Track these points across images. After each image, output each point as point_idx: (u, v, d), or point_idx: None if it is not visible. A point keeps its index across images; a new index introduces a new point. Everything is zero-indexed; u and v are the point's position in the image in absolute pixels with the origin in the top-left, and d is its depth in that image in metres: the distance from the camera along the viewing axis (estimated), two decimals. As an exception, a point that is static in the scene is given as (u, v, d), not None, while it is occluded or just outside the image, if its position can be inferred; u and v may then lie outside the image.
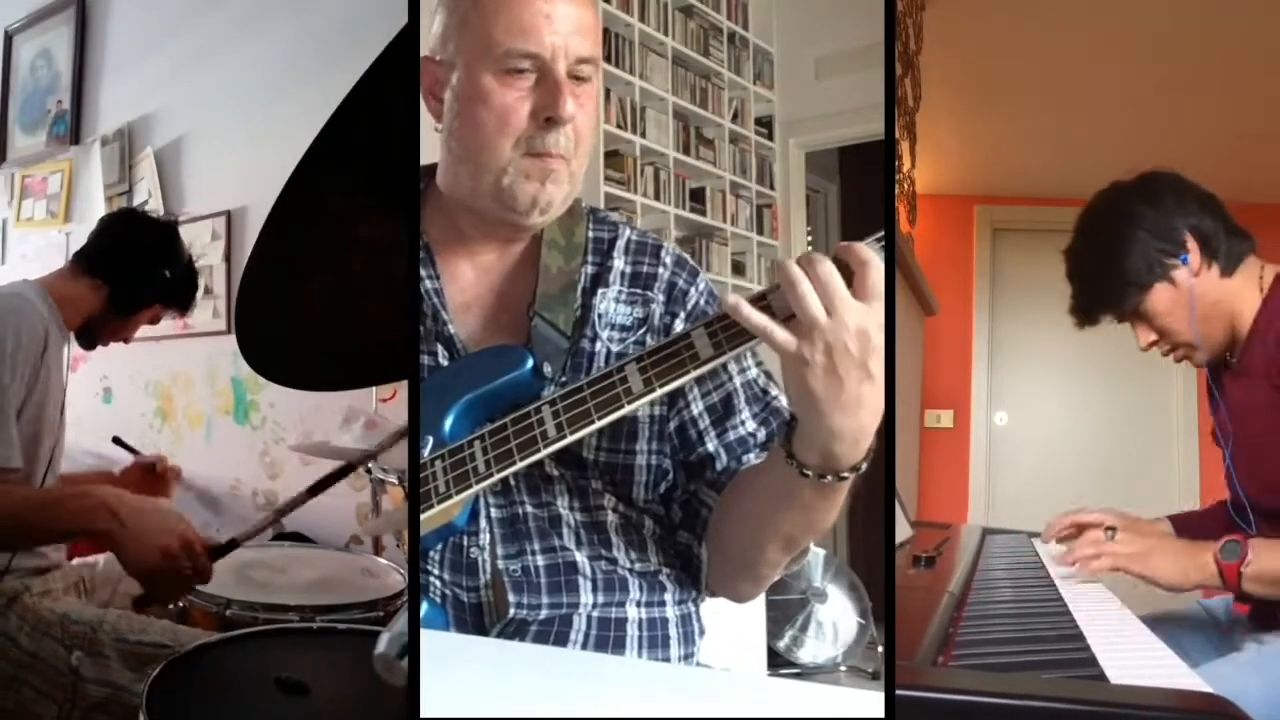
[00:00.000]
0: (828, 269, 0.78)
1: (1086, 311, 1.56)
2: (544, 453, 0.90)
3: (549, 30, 0.93)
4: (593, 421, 0.89)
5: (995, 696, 0.66)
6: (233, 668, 1.21)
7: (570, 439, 0.89)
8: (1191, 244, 1.46)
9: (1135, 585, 1.41)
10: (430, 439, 0.94)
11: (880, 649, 3.10)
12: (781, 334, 0.80)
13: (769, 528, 0.93)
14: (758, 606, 2.86)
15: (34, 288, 1.77)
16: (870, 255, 0.79)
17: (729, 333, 0.86)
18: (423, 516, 0.91)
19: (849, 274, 0.79)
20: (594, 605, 0.98)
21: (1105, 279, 1.51)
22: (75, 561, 1.89)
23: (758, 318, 0.81)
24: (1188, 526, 1.62)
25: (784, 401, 1.04)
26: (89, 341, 1.90)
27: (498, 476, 0.90)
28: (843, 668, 3.22)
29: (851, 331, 0.78)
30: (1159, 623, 1.45)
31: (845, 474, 0.84)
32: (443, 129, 1.00)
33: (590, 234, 1.07)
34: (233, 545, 1.49)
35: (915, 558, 1.45)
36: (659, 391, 0.88)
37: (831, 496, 0.87)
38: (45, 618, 1.59)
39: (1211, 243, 1.46)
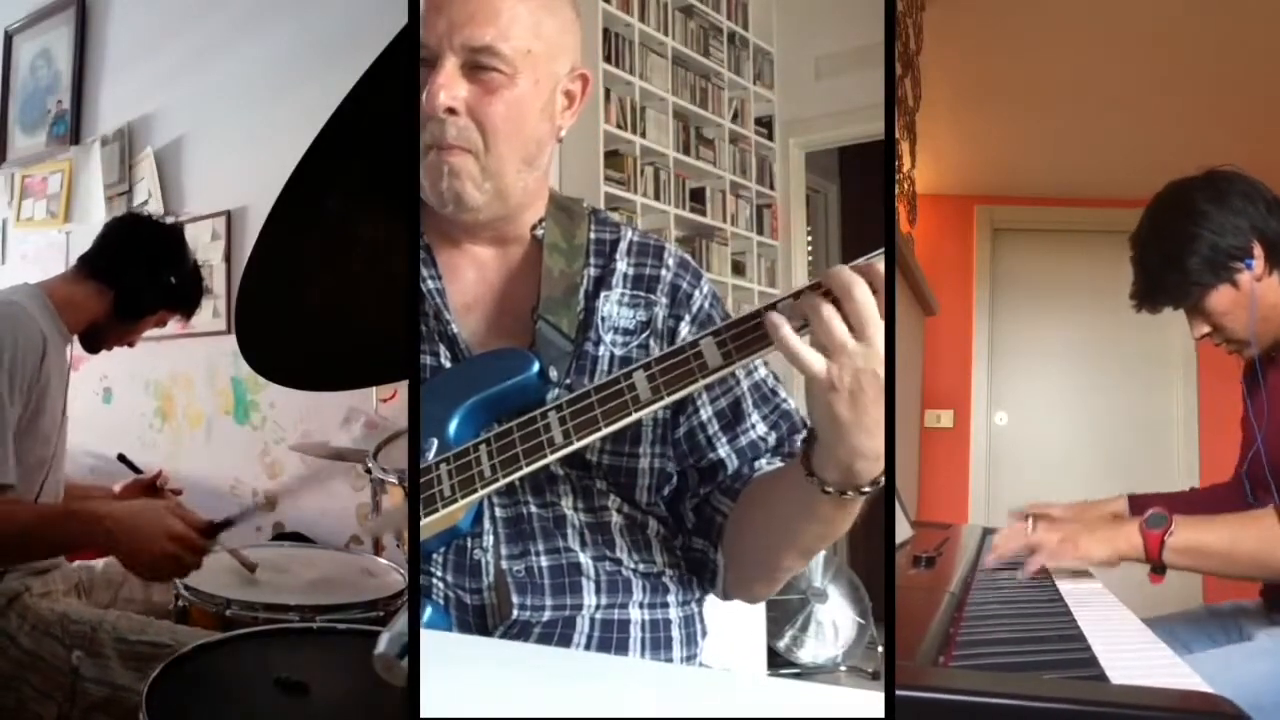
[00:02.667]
0: (864, 292, 0.78)
1: (1149, 300, 1.57)
2: (550, 459, 0.89)
3: (437, 19, 0.94)
4: (600, 428, 0.89)
5: (995, 697, 0.66)
6: (233, 668, 1.21)
7: (576, 445, 0.89)
8: (1257, 249, 1.47)
9: (1140, 586, 1.41)
10: (435, 441, 0.94)
11: (880, 649, 3.09)
12: (812, 359, 0.80)
13: (787, 538, 0.94)
14: (758, 607, 2.86)
15: (31, 292, 1.76)
16: (881, 283, 0.79)
17: (738, 342, 0.86)
18: (427, 521, 0.90)
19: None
20: (597, 607, 0.97)
21: (1168, 274, 1.53)
22: (75, 564, 1.89)
23: (792, 341, 0.80)
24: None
25: (792, 404, 1.05)
26: (93, 346, 1.89)
27: (503, 482, 0.90)
28: (843, 668, 3.22)
29: (879, 357, 0.79)
30: (1162, 624, 1.46)
31: (866, 489, 0.85)
32: None
33: (592, 235, 1.07)
34: (227, 524, 1.52)
35: (915, 558, 1.45)
36: (667, 400, 0.88)
37: (850, 509, 0.88)
38: (45, 617, 1.59)
39: (1277, 249, 1.48)
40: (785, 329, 0.81)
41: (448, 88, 0.93)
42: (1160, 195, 1.57)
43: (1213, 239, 1.47)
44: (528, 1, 0.96)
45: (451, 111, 0.94)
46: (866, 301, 0.78)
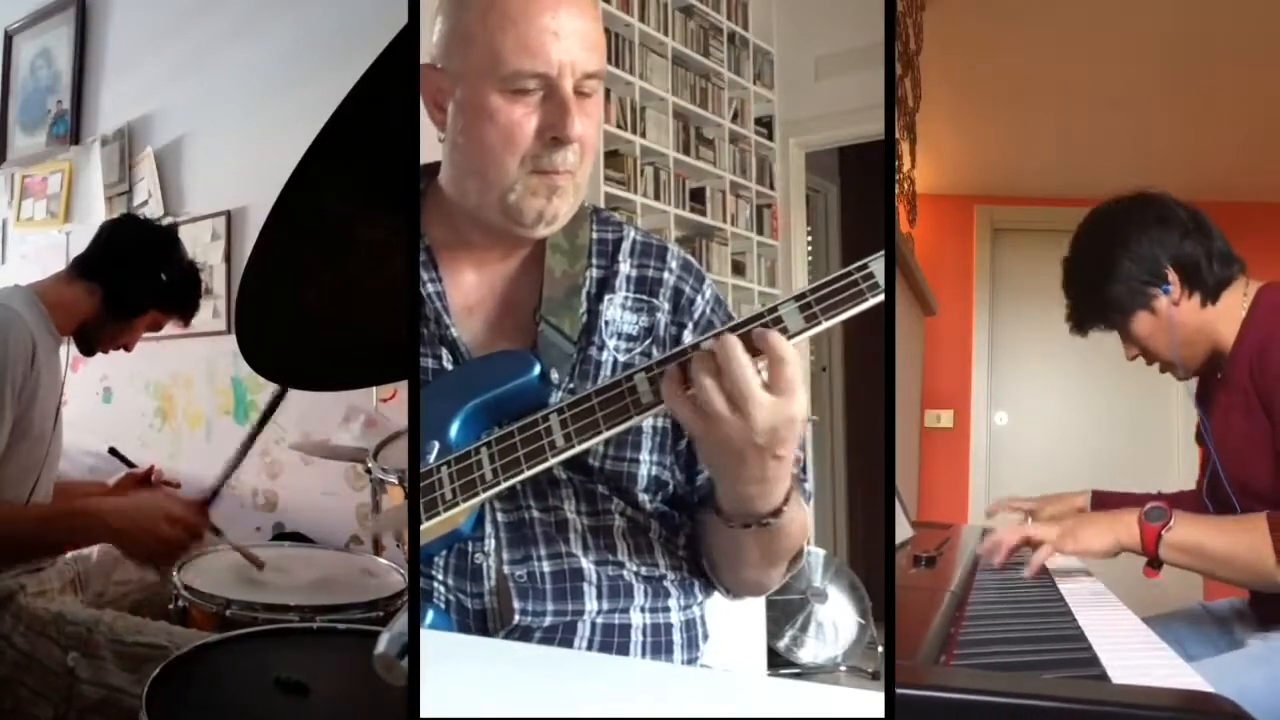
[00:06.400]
0: (739, 367, 0.81)
1: (1077, 324, 1.65)
2: (551, 462, 0.89)
3: (556, 48, 0.92)
4: (601, 431, 0.89)
5: (996, 696, 0.66)
6: (233, 668, 1.21)
7: (578, 449, 0.89)
8: (1172, 275, 1.51)
9: (1135, 585, 1.41)
10: (436, 444, 0.94)
11: (880, 649, 3.09)
12: (690, 418, 0.84)
13: (732, 561, 1.00)
14: (758, 607, 2.86)
15: (22, 294, 1.75)
16: (785, 351, 0.82)
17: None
18: (428, 524, 0.90)
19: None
20: (599, 612, 0.97)
21: (1091, 300, 1.59)
22: (69, 555, 1.89)
23: (676, 401, 0.85)
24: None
25: None
26: (87, 347, 1.89)
27: (505, 485, 0.90)
28: (843, 668, 3.22)
29: (760, 429, 0.81)
30: (1161, 622, 1.46)
31: (766, 521, 0.89)
32: (445, 139, 1.00)
33: (594, 235, 1.06)
34: (216, 494, 1.55)
35: (916, 558, 1.45)
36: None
37: (773, 532, 0.91)
38: (41, 617, 1.59)
39: (1194, 273, 1.51)
40: (672, 387, 0.85)
41: (579, 117, 0.93)
42: (1085, 221, 1.62)
43: (1129, 266, 1.52)
44: (596, 21, 0.97)
45: (575, 141, 0.94)
46: (743, 377, 0.81)
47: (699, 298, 1.06)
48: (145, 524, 1.50)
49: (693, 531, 1.05)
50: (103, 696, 1.49)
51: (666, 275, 1.06)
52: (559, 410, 0.90)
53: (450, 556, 0.97)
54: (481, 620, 0.96)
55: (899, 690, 0.66)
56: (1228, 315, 1.51)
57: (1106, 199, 1.61)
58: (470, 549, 0.96)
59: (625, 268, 1.05)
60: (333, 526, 2.71)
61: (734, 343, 0.81)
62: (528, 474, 0.90)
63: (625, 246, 1.06)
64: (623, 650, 0.98)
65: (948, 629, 1.01)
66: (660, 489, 1.03)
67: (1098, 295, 1.56)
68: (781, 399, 0.81)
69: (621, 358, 1.02)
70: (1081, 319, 1.63)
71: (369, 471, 2.13)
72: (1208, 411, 1.60)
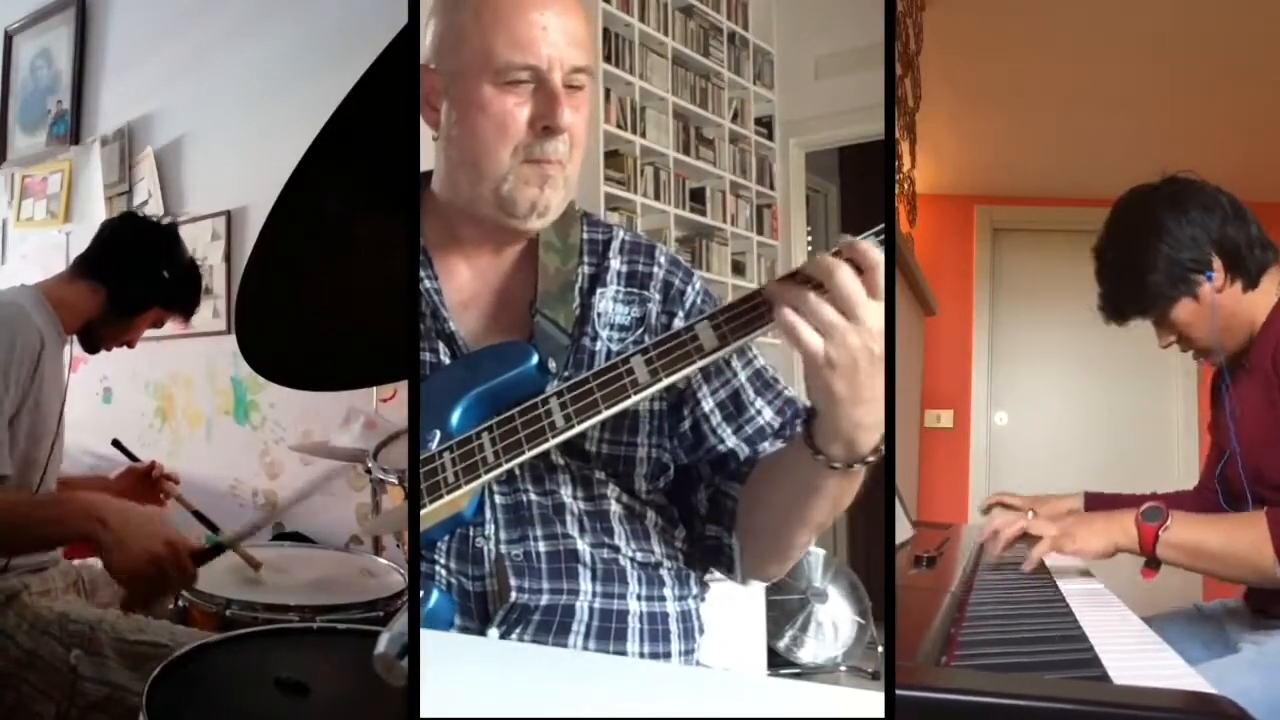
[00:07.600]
0: (845, 275, 0.81)
1: (1114, 312, 1.59)
2: (552, 443, 0.91)
3: (545, 43, 0.96)
4: (600, 412, 0.90)
5: (996, 697, 0.66)
6: (233, 668, 1.21)
7: (578, 429, 0.91)
8: (1216, 261, 1.48)
9: (1135, 585, 1.41)
10: (437, 432, 0.95)
11: (880, 649, 3.09)
12: (809, 337, 0.82)
13: (796, 515, 0.97)
14: (758, 606, 2.86)
15: (29, 293, 1.76)
16: (879, 256, 0.82)
17: (733, 325, 0.89)
18: (431, 508, 0.91)
19: (859, 272, 0.81)
20: (594, 594, 0.99)
21: (1130, 288, 1.54)
22: (75, 562, 1.89)
23: (791, 317, 0.83)
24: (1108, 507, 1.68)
25: (793, 391, 1.07)
26: (91, 345, 1.90)
27: (506, 467, 0.91)
28: (843, 668, 3.22)
29: (873, 333, 0.81)
30: (1155, 624, 1.46)
31: (870, 458, 0.88)
32: (440, 136, 1.02)
33: (585, 236, 1.10)
34: (219, 550, 1.51)
35: (916, 558, 1.45)
36: (665, 382, 0.90)
37: (854, 481, 0.91)
38: (44, 616, 1.59)
39: (1236, 258, 1.48)
40: (786, 309, 0.83)
41: (568, 107, 0.97)
42: (1118, 206, 1.58)
43: (1171, 253, 1.48)
44: (584, 20, 1.01)
45: (565, 130, 0.97)
46: (848, 283, 0.81)
47: (689, 289, 1.09)
48: (140, 535, 1.40)
49: (716, 506, 1.04)
50: (105, 694, 1.49)
51: (656, 270, 1.09)
52: (558, 393, 0.92)
53: (452, 541, 0.99)
54: (482, 602, 0.98)
55: (899, 691, 0.66)
56: (1265, 300, 1.49)
57: (1137, 187, 1.56)
58: (471, 534, 0.99)
59: (616, 264, 1.08)
60: (333, 526, 2.71)
61: (828, 258, 0.82)
62: (529, 455, 0.91)
63: (615, 245, 1.10)
64: (620, 636, 0.99)
65: (948, 629, 1.01)
66: (662, 472, 1.05)
67: (1136, 283, 1.52)
68: (878, 303, 0.82)
69: (615, 346, 1.04)
70: (1120, 307, 1.58)
71: (369, 472, 2.14)
72: (1230, 398, 1.58)
